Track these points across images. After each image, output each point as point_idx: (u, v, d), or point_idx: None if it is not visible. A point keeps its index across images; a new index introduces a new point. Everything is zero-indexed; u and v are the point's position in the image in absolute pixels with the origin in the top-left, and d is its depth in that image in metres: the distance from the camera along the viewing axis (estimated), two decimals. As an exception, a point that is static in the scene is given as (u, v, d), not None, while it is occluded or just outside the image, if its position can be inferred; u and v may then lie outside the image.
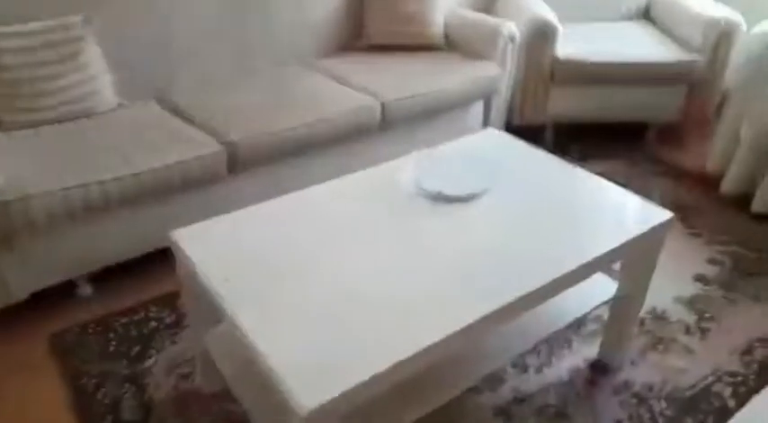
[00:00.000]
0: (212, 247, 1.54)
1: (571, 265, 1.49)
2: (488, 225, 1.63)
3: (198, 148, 2.16)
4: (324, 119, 2.39)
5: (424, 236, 1.58)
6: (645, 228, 1.64)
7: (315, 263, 1.49)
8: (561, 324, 1.80)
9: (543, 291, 1.44)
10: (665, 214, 1.70)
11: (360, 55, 2.97)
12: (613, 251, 1.57)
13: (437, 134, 2.80)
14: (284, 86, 2.62)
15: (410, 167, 1.83)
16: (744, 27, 2.95)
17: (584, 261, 1.50)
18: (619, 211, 1.72)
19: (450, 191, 1.71)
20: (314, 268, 1.47)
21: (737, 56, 2.92)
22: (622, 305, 1.85)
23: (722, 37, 2.96)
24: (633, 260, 1.77)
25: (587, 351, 1.99)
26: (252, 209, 1.68)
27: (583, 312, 1.84)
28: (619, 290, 1.84)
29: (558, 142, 3.22)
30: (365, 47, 3.02)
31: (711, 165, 2.90)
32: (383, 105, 2.53)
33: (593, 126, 3.23)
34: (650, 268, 1.77)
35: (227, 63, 2.72)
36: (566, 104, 3.12)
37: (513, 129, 3.13)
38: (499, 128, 3.07)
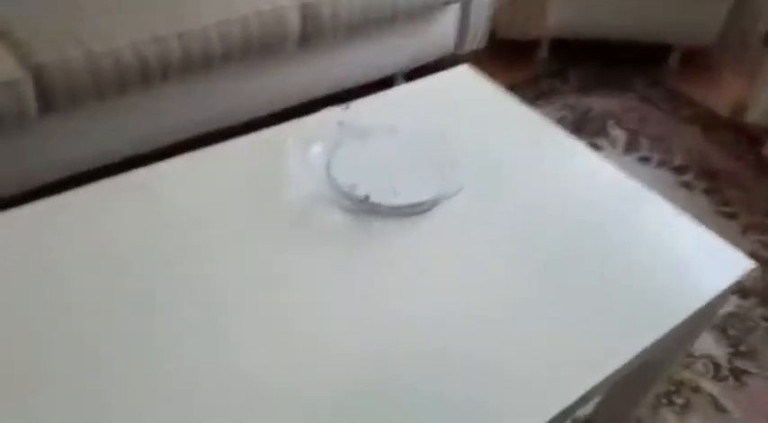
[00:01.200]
0: None
1: (585, 383, 0.80)
2: (441, 276, 0.91)
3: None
4: (201, 28, 1.51)
5: (321, 294, 0.86)
6: (714, 290, 0.94)
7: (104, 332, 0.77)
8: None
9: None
10: (744, 263, 0.99)
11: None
12: (659, 340, 0.88)
13: (388, 55, 1.99)
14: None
15: (320, 140, 1.06)
16: None
17: (607, 372, 0.82)
18: (670, 251, 1.01)
19: (382, 196, 0.97)
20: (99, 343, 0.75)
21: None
22: (642, 370, 1.20)
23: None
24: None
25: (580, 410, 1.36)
26: (23, 212, 0.92)
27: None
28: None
29: (554, 64, 2.44)
30: None
31: (753, 115, 2.18)
32: (305, 8, 1.68)
33: (601, 46, 2.44)
34: (695, 333, 1.10)
35: None
36: (569, 15, 2.30)
37: (498, 44, 2.34)
38: (479, 43, 2.27)
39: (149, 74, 1.46)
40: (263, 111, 1.74)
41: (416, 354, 0.81)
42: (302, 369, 0.78)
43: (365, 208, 0.96)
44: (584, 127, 2.17)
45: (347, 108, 1.13)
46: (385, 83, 2.12)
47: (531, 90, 2.28)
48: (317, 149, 1.04)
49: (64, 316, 0.80)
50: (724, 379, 1.48)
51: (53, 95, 1.37)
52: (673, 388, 1.45)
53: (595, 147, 2.08)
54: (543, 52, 2.44)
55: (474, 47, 2.26)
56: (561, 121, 2.16)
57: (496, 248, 0.96)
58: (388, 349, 0.81)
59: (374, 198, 0.96)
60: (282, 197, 0.98)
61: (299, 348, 0.80)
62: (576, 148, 1.22)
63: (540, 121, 1.28)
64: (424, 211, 0.97)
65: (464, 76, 1.34)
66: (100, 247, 0.89)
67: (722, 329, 1.58)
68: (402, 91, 1.27)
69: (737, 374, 1.49)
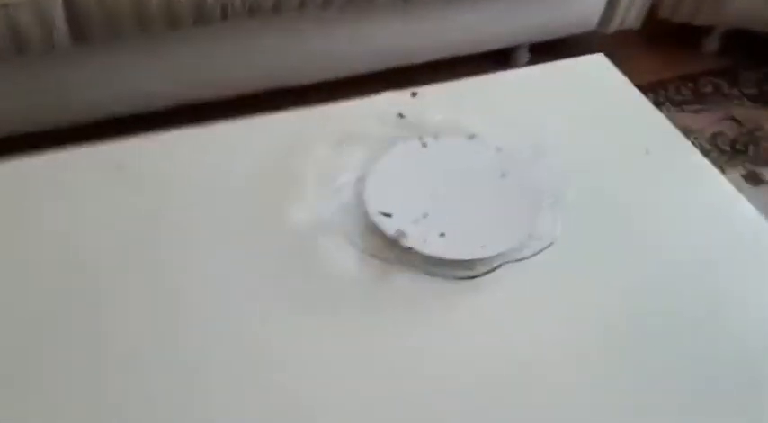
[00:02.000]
0: None
1: None
2: (485, 373, 0.61)
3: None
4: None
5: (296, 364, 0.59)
6: None
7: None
8: None
9: None
10: None
11: None
12: None
13: (512, 21, 1.63)
14: None
15: (364, 137, 0.77)
16: None
17: None
18: None
19: (424, 237, 0.67)
20: None
21: None
22: None
23: None
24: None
25: None
26: None
27: None
28: None
29: (724, 61, 1.95)
30: None
31: None
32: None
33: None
34: None
35: None
36: (755, 2, 1.81)
37: (655, 26, 1.88)
38: (632, 22, 1.83)
39: (205, 9, 1.21)
40: (341, 72, 1.45)
41: None
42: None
43: (395, 254, 0.66)
44: (747, 148, 1.71)
45: (414, 95, 0.83)
46: (501, 55, 1.77)
47: (687, 90, 1.82)
48: (356, 152, 0.75)
49: None
50: None
51: (88, 23, 1.15)
52: None
53: (755, 178, 1.62)
54: (713, 44, 1.95)
55: (624, 26, 1.83)
56: (718, 138, 1.71)
57: (575, 347, 0.64)
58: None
59: (412, 240, 0.66)
60: (290, 217, 0.71)
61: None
62: (729, 199, 0.84)
63: (686, 148, 0.91)
64: (478, 276, 0.65)
65: (594, 69, 0.98)
66: (48, 241, 0.67)
67: None
68: (499, 79, 0.93)
69: None
